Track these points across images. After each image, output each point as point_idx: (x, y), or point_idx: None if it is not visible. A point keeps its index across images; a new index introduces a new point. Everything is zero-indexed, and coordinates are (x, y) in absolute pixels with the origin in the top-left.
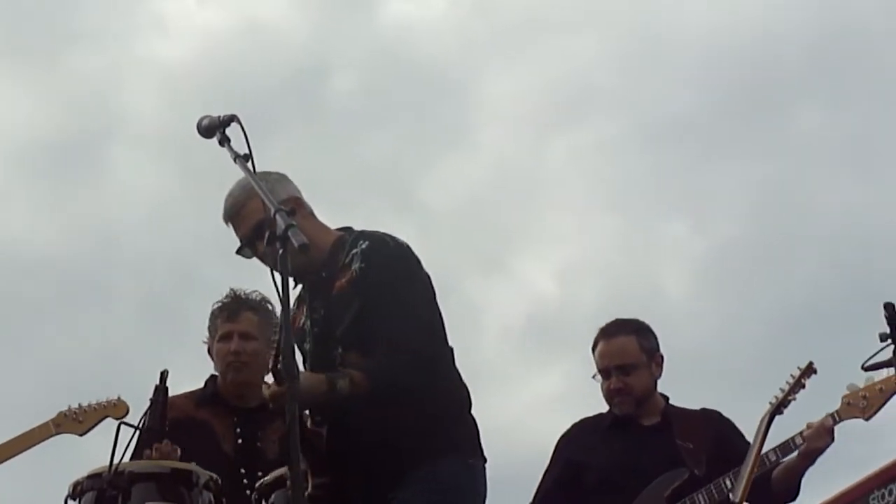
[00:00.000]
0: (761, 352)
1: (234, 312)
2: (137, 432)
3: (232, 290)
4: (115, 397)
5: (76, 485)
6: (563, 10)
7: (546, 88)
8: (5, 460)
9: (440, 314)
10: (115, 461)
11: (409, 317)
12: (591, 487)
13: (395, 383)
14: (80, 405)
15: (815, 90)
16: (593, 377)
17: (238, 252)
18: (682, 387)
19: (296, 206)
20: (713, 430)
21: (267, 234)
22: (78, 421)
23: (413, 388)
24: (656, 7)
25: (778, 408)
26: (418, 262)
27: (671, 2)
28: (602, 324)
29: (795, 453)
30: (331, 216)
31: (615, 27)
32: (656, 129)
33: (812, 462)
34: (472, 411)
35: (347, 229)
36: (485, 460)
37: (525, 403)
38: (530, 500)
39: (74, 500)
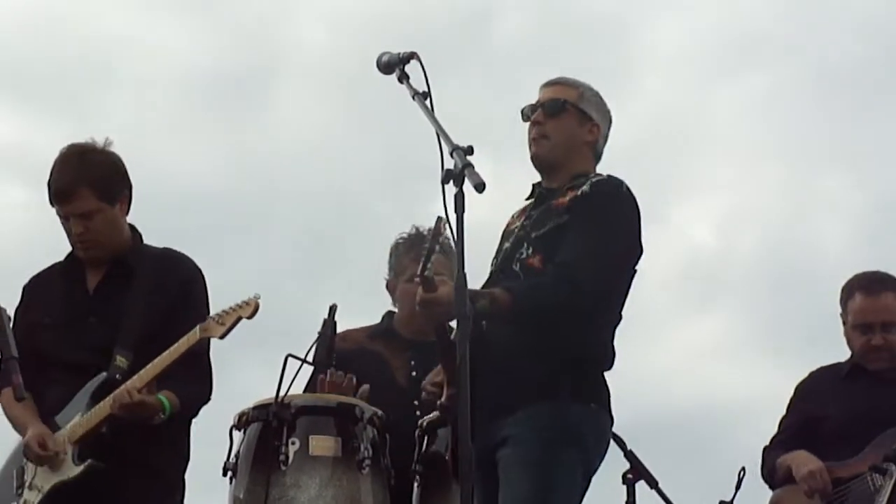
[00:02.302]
0: None
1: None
2: (304, 365)
3: (414, 226)
4: (251, 296)
5: (241, 415)
6: None
7: (710, 35)
8: (164, 370)
9: (624, 277)
10: (282, 393)
11: (596, 253)
12: (828, 437)
13: (540, 306)
14: (223, 309)
15: None
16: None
17: (523, 111)
18: (841, 344)
19: (591, 129)
20: None
21: (443, 173)
22: (220, 324)
23: (557, 320)
24: None
25: None
26: (639, 218)
27: None
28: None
29: None
30: (492, 155)
31: None
32: (820, 79)
33: None
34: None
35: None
36: (611, 417)
37: (682, 353)
38: (767, 444)
39: (239, 430)
